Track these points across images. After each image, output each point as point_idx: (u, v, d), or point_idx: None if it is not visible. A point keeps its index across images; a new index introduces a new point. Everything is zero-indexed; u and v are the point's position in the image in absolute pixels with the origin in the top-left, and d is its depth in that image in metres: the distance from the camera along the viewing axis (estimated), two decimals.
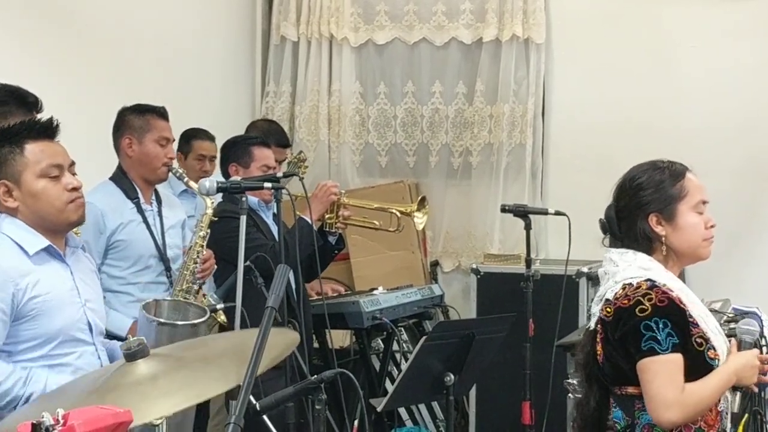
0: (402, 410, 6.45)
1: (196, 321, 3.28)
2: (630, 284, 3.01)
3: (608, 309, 3.04)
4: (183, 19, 6.44)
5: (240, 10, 7.19)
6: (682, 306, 2.98)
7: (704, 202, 3.15)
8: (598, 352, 3.07)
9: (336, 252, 5.46)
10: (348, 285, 6.45)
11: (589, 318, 3.26)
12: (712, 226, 3.15)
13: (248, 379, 2.20)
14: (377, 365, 5.88)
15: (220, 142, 5.64)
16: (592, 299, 3.28)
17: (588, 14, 6.72)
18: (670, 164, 3.17)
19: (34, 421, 1.76)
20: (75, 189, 3.16)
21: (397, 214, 5.47)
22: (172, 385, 2.37)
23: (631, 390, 3.01)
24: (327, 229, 5.24)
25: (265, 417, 2.84)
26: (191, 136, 5.76)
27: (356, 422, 5.04)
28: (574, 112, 6.74)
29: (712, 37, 6.48)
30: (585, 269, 5.90)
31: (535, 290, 5.12)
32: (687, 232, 3.10)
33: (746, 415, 3.72)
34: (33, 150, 3.12)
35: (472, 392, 6.04)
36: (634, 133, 6.45)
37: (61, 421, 1.80)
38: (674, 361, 2.92)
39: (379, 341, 6.03)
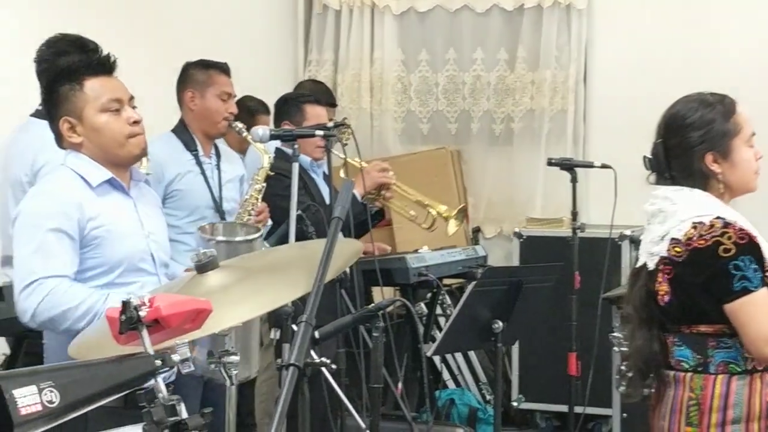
0: (445, 372, 6.53)
1: (251, 237, 3.34)
2: (701, 223, 2.95)
3: (678, 248, 2.97)
4: None
5: None
6: (756, 241, 2.95)
7: (753, 134, 3.12)
8: (661, 292, 3.02)
9: (375, 222, 5.51)
10: None
11: (636, 260, 3.23)
12: (760, 158, 3.14)
13: (318, 285, 2.26)
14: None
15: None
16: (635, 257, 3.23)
17: None
18: (720, 99, 3.11)
19: (123, 299, 1.83)
20: (136, 122, 3.23)
21: (434, 214, 5.45)
22: (242, 294, 2.43)
23: (703, 328, 2.96)
24: (365, 203, 5.28)
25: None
26: (255, 110, 5.84)
27: (401, 384, 5.10)
28: (616, 78, 6.75)
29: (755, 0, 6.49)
30: (628, 232, 5.92)
31: (579, 252, 5.15)
32: (742, 168, 3.07)
33: None
34: (92, 86, 3.19)
35: (516, 346, 6.08)
36: (675, 96, 6.43)
37: (147, 303, 1.88)
38: (766, 295, 2.91)
39: (423, 305, 6.07)
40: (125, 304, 1.83)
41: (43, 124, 3.87)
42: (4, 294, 3.30)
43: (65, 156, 3.25)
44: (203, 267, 2.49)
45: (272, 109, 5.86)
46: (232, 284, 2.46)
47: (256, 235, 3.39)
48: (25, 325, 3.40)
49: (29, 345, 3.57)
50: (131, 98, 3.27)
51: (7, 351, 4.13)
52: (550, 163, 5.18)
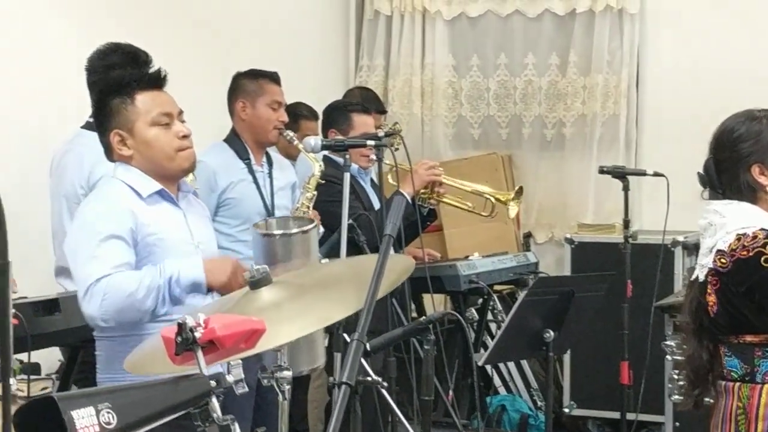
0: (496, 378, 6.52)
1: (306, 227, 3.35)
2: (745, 234, 2.98)
3: (723, 260, 3.01)
4: None
5: None
6: None
7: None
8: (710, 303, 3.05)
9: (427, 224, 5.52)
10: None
11: (691, 272, 3.27)
12: None
13: (369, 302, 2.27)
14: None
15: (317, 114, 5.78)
16: (689, 267, 3.27)
17: None
18: (766, 113, 3.14)
19: (179, 321, 1.86)
20: (185, 136, 3.27)
21: (492, 200, 5.47)
22: (295, 310, 2.45)
23: (750, 338, 2.98)
24: (419, 203, 5.29)
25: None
26: (298, 115, 5.88)
27: (451, 391, 5.11)
28: (669, 82, 6.71)
29: None
30: (681, 238, 5.88)
31: (631, 258, 5.13)
32: None
33: None
34: (143, 99, 3.23)
35: (567, 354, 6.06)
36: (730, 102, 6.31)
37: (203, 324, 1.90)
38: None
39: (473, 311, 6.07)
40: (181, 326, 1.86)
41: (94, 136, 3.93)
42: (60, 305, 3.35)
43: (115, 168, 3.29)
44: (256, 283, 2.51)
45: (317, 112, 5.92)
46: (285, 300, 2.48)
47: (311, 225, 3.39)
48: (80, 336, 3.46)
49: (85, 354, 3.62)
50: (181, 112, 3.31)
51: (63, 359, 4.19)
52: (602, 171, 5.16)
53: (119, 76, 3.31)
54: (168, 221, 3.23)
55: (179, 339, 1.86)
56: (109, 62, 3.98)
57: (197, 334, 1.88)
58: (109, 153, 3.29)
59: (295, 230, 3.38)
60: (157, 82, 3.28)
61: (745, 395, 3.01)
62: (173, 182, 3.31)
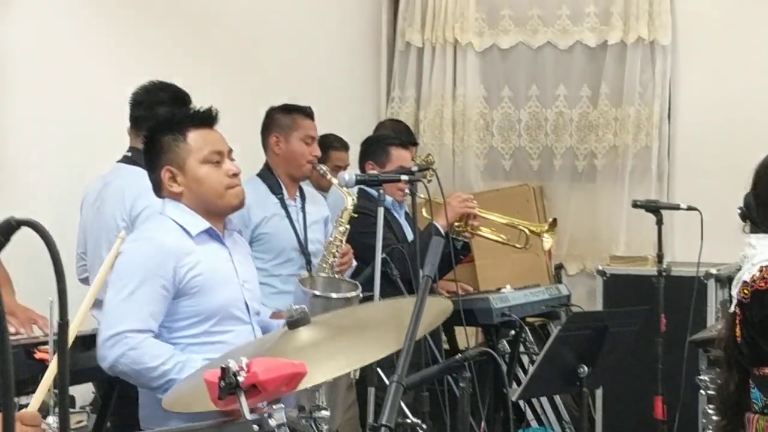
0: (528, 411, 6.49)
1: (349, 295, 3.37)
2: (767, 266, 3.02)
3: (746, 291, 3.05)
4: (311, 26, 6.60)
5: (365, 17, 7.34)
6: None
7: None
8: (737, 334, 3.08)
9: (461, 258, 5.53)
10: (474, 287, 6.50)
11: (724, 304, 3.28)
12: None
13: (408, 342, 2.29)
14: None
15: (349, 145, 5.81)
16: (721, 300, 3.30)
17: (713, 15, 6.68)
18: None
19: (222, 365, 1.87)
20: (235, 175, 3.31)
21: (527, 232, 5.47)
22: (333, 350, 2.46)
23: (767, 370, 3.02)
24: (454, 236, 5.30)
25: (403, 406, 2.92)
26: (328, 146, 5.90)
27: (483, 423, 5.09)
28: (701, 114, 6.70)
29: None
30: (713, 271, 5.85)
31: (664, 290, 5.11)
32: None
33: None
34: (195, 137, 3.28)
35: (599, 389, 6.03)
36: (763, 134, 6.38)
37: (245, 368, 1.92)
38: None
39: (505, 343, 6.06)
40: (224, 370, 1.87)
41: (134, 170, 3.96)
42: (95, 341, 3.36)
43: (164, 205, 3.32)
44: (295, 323, 2.52)
45: (348, 143, 5.94)
46: (323, 341, 2.49)
47: (354, 293, 3.41)
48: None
49: (122, 389, 3.64)
50: (230, 151, 3.35)
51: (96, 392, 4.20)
52: (635, 205, 5.16)
53: (171, 114, 3.36)
54: (215, 260, 3.26)
55: (223, 383, 1.88)
56: (157, 99, 4.04)
57: (240, 379, 1.89)
58: (159, 189, 3.32)
59: (335, 295, 3.40)
60: (208, 120, 3.32)
61: (761, 427, 3.04)
62: (221, 220, 3.34)
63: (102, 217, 4.14)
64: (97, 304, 4.06)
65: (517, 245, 5.49)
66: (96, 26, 4.96)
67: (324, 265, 4.48)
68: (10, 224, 1.26)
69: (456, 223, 5.24)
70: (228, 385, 1.87)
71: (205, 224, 3.26)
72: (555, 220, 5.66)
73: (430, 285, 2.42)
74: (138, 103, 4.13)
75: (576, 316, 4.99)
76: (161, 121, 3.40)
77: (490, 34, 7.15)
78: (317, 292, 3.38)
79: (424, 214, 5.15)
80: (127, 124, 4.28)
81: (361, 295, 4.12)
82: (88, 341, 3.35)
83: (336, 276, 4.30)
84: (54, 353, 2.69)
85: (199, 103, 3.47)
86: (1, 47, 4.29)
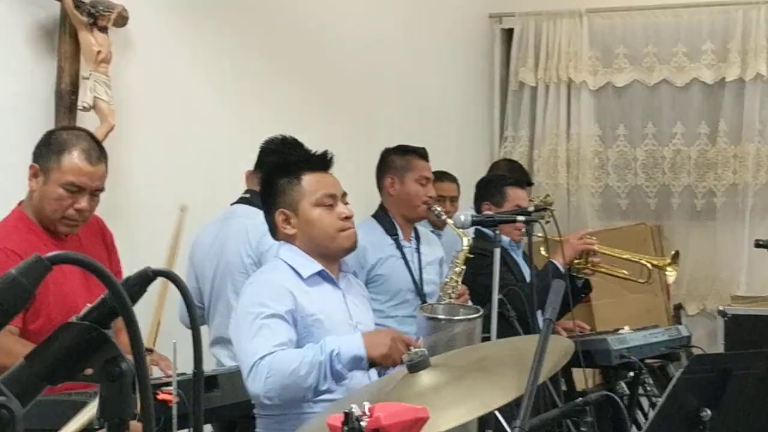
0: None
1: (472, 316, 3.35)
2: None
3: None
4: (424, 67, 6.64)
5: (478, 57, 7.36)
6: None
7: None
8: None
9: (582, 296, 5.47)
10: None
11: None
12: None
13: (531, 387, 2.26)
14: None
15: (461, 186, 5.80)
16: None
17: None
18: None
19: (346, 411, 1.87)
20: (347, 218, 3.32)
21: (649, 266, 5.40)
22: (455, 395, 2.43)
23: None
24: (574, 274, 5.25)
25: None
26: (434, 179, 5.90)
27: None
28: None
29: None
30: None
31: None
32: None
33: None
34: (309, 180, 3.31)
35: None
36: None
37: (368, 413, 1.91)
38: None
39: (623, 384, 5.96)
40: (347, 415, 1.87)
41: (254, 210, 4.03)
42: (218, 382, 3.41)
43: (278, 248, 3.36)
44: (415, 366, 2.51)
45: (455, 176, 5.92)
46: (444, 385, 2.47)
47: (477, 314, 3.40)
48: (237, 412, 3.51)
49: (242, 430, 3.68)
50: (344, 194, 3.37)
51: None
52: (758, 245, 5.04)
53: (288, 157, 3.40)
54: (327, 302, 3.27)
55: (346, 429, 1.88)
56: (276, 149, 4.14)
57: (363, 423, 1.89)
58: (274, 231, 3.36)
59: (460, 317, 3.38)
60: (323, 163, 3.35)
61: None
62: (334, 262, 3.36)
63: (224, 256, 4.21)
64: (221, 342, 4.16)
65: (640, 280, 5.42)
66: (215, 68, 5.05)
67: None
68: (147, 275, 1.29)
69: (576, 261, 5.20)
70: (351, 430, 1.87)
71: (317, 266, 3.28)
72: (677, 252, 5.56)
73: (552, 328, 2.40)
74: (271, 151, 4.22)
75: (698, 358, 4.86)
76: (277, 164, 3.45)
77: (605, 72, 7.10)
78: (441, 316, 3.37)
79: (542, 252, 5.11)
80: (244, 166, 4.36)
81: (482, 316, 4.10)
82: (210, 383, 3.40)
83: (454, 302, 4.29)
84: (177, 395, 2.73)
85: (314, 146, 3.51)
86: (122, 85, 4.39)
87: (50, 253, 1.16)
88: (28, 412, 1.19)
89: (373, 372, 3.33)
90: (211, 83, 5.03)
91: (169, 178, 4.74)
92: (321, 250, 3.30)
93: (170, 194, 4.74)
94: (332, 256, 3.33)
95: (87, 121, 4.12)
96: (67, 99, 4.13)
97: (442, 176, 5.98)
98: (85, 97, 4.15)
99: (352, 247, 3.36)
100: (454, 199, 5.85)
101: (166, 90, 4.76)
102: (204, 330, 4.32)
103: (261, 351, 3.08)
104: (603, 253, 5.27)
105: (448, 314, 3.44)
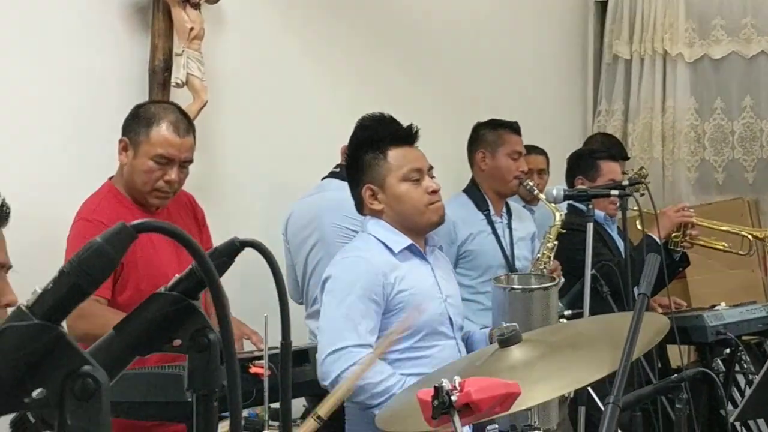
0: None
1: (547, 285, 3.31)
2: None
3: None
4: (517, 41, 6.59)
5: (572, 30, 7.26)
6: None
7: None
8: None
9: (680, 270, 5.38)
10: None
11: None
12: None
13: (625, 363, 2.22)
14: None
15: (554, 160, 5.72)
16: None
17: None
18: None
19: (436, 385, 1.86)
20: (434, 192, 3.30)
21: (750, 237, 5.30)
22: (547, 370, 2.41)
23: None
24: (672, 247, 5.17)
25: None
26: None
27: None
28: None
29: None
30: None
31: None
32: None
33: None
34: (395, 155, 3.30)
35: None
36: None
37: (458, 387, 1.90)
38: None
39: (719, 362, 5.86)
40: (437, 389, 1.86)
41: (342, 183, 4.03)
42: (309, 356, 3.42)
43: (365, 223, 3.35)
44: (507, 341, 2.49)
45: (546, 153, 5.84)
46: (536, 360, 2.45)
47: (552, 283, 3.35)
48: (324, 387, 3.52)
49: None
50: (430, 168, 3.35)
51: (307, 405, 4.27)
52: None
53: (373, 132, 3.39)
54: (418, 276, 3.27)
55: (436, 403, 1.87)
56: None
57: (453, 398, 1.87)
58: (361, 207, 3.36)
59: (535, 286, 3.34)
60: (408, 138, 3.34)
61: None
62: (421, 236, 3.35)
63: (321, 228, 4.22)
64: (312, 314, 4.17)
65: (741, 252, 5.31)
66: (308, 43, 5.06)
67: None
68: (234, 245, 1.29)
69: (674, 234, 5.12)
70: (441, 405, 1.86)
71: (407, 241, 3.27)
72: None
73: (646, 303, 2.36)
74: (365, 128, 4.19)
75: None
76: (363, 139, 3.43)
77: (701, 44, 6.95)
78: (516, 286, 3.33)
79: (638, 226, 5.03)
80: (339, 143, 4.36)
81: (561, 284, 4.05)
82: (301, 357, 3.41)
83: (531, 271, 4.24)
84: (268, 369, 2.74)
85: (407, 121, 3.49)
86: (215, 62, 4.41)
87: (135, 221, 1.15)
88: (118, 383, 1.19)
89: (462, 346, 3.32)
90: (305, 58, 5.03)
91: (261, 154, 4.77)
92: (409, 224, 3.29)
93: (263, 171, 4.79)
94: (420, 231, 3.33)
95: (180, 97, 4.15)
96: (160, 76, 4.17)
97: (529, 149, 5.90)
98: (178, 74, 4.18)
99: (440, 221, 3.35)
100: (542, 172, 5.76)
101: (259, 66, 4.78)
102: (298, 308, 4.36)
103: (350, 338, 3.10)
104: (701, 225, 5.18)
105: (523, 284, 3.39)
